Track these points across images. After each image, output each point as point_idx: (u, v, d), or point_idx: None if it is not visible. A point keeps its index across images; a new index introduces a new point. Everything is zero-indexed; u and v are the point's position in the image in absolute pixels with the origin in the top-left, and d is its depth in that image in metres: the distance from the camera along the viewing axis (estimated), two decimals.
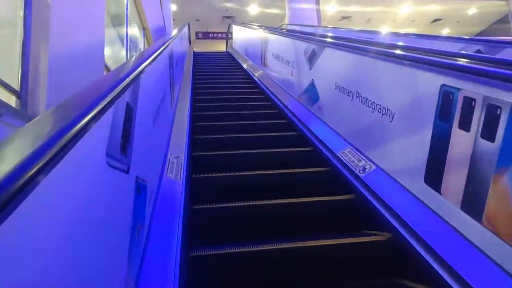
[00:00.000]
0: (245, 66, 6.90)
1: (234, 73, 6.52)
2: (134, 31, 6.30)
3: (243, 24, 9.03)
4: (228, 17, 16.44)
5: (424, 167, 1.72)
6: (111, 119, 1.05)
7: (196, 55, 8.70)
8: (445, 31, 18.61)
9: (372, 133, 2.31)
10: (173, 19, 15.85)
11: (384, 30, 15.51)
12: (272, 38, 5.19)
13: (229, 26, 12.14)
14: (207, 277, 1.61)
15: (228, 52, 10.30)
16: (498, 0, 15.45)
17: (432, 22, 17.60)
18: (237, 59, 7.93)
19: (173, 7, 14.77)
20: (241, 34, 9.06)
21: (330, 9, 15.73)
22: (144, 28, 7.02)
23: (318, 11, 13.88)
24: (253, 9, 15.80)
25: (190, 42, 11.56)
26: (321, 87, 3.24)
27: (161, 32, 8.92)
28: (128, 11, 5.38)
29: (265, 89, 4.79)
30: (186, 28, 9.36)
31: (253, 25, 7.36)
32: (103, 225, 0.90)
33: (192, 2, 15.10)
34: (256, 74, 5.72)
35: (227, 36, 12.72)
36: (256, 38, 6.64)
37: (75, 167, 0.74)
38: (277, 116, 3.77)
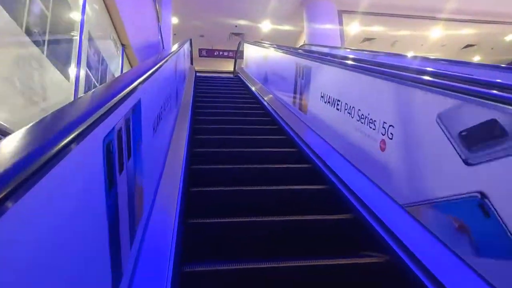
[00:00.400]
0: (268, 103, 4.88)
1: (257, 118, 4.48)
2: (101, 48, 4.25)
3: (258, 42, 7.08)
4: (236, 34, 14.60)
5: None
6: None
7: (199, 81, 6.72)
8: (476, 59, 16.81)
9: None
10: (174, 34, 14.01)
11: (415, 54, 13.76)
12: (324, 70, 3.18)
13: (240, 44, 10.23)
14: None
15: (238, 76, 8.32)
16: None
17: (463, 48, 15.79)
18: (254, 91, 5.90)
19: (174, 20, 12.92)
20: (256, 56, 7.11)
21: (353, 30, 13.92)
22: (123, 45, 5.01)
23: (341, 31, 12.05)
24: (266, 26, 13.97)
25: (192, 62, 9.63)
26: None
27: (155, 49, 6.97)
28: (84, 21, 3.36)
29: (321, 166, 2.71)
30: (187, 45, 7.42)
31: (277, 46, 5.39)
32: None
33: (196, 16, 13.28)
34: (293, 127, 3.66)
35: (235, 55, 10.81)
36: (284, 65, 4.66)
37: None
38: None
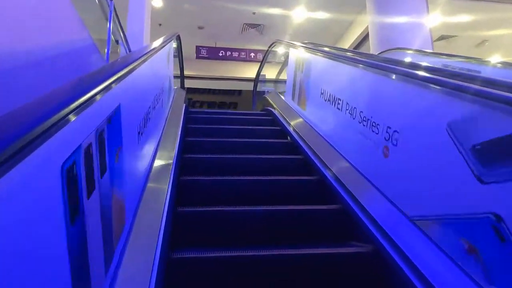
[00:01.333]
0: None
1: None
2: None
3: (370, 58, 2.41)
4: (253, 26, 9.94)
5: None
6: None
7: (189, 159, 1.97)
8: None
9: None
10: (159, 24, 9.35)
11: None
12: None
13: (271, 45, 5.58)
14: None
15: (277, 121, 3.55)
16: None
17: None
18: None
19: (157, 3, 8.23)
20: (360, 92, 2.50)
21: (429, 23, 9.30)
22: None
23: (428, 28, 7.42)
24: (299, 14, 9.30)
25: (183, 84, 5.04)
26: None
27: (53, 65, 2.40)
28: None
29: None
30: (164, 54, 2.83)
31: None
32: None
33: None
34: None
35: (261, 63, 6.19)
36: None
37: None
38: None
